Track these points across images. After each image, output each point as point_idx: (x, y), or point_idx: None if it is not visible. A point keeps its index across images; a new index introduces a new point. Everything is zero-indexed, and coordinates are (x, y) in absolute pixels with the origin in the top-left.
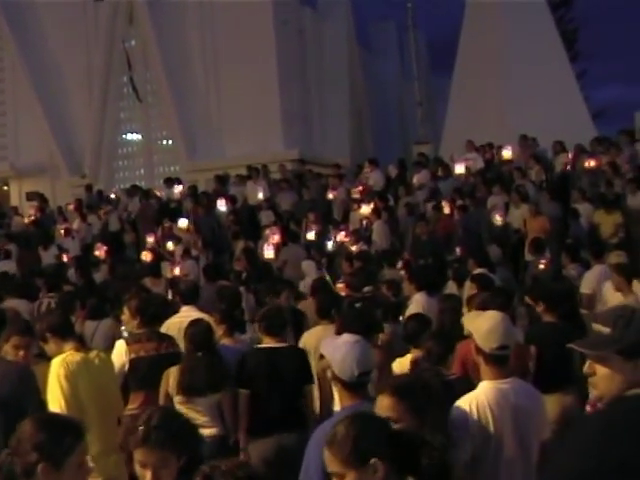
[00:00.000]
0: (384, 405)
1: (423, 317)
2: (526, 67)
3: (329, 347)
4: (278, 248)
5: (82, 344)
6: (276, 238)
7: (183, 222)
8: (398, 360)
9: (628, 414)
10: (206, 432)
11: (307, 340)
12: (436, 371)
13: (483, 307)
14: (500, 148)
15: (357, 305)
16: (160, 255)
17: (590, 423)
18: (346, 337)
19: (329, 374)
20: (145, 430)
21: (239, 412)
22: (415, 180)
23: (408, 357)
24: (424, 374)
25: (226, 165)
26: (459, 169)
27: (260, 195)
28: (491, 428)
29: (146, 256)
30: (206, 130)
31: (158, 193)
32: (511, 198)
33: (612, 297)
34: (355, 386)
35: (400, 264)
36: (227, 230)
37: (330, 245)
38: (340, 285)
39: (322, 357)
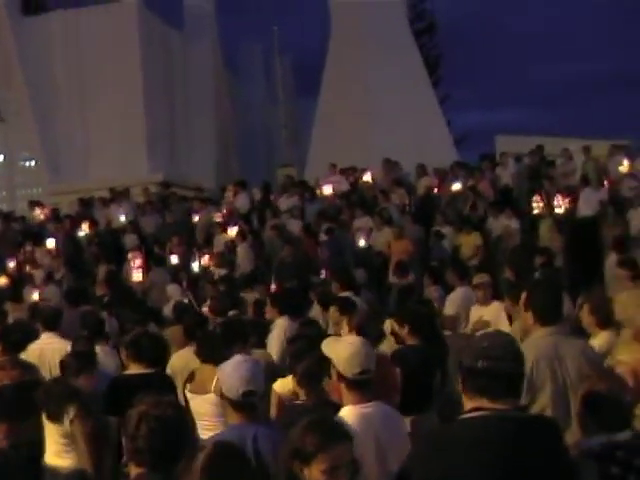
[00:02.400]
0: None
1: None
2: (390, 92)
3: (222, 367)
4: (144, 271)
5: None
6: (138, 262)
7: (50, 242)
8: (280, 381)
9: (446, 435)
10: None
11: (174, 362)
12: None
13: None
14: (363, 171)
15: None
16: (21, 279)
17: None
18: (237, 356)
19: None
20: None
21: (109, 441)
22: (281, 203)
23: (290, 379)
24: None
25: (90, 187)
26: (327, 190)
27: (123, 218)
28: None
29: (2, 281)
30: (70, 152)
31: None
32: (374, 221)
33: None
34: (241, 405)
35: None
36: (89, 254)
37: (194, 268)
38: (205, 309)
39: (189, 379)
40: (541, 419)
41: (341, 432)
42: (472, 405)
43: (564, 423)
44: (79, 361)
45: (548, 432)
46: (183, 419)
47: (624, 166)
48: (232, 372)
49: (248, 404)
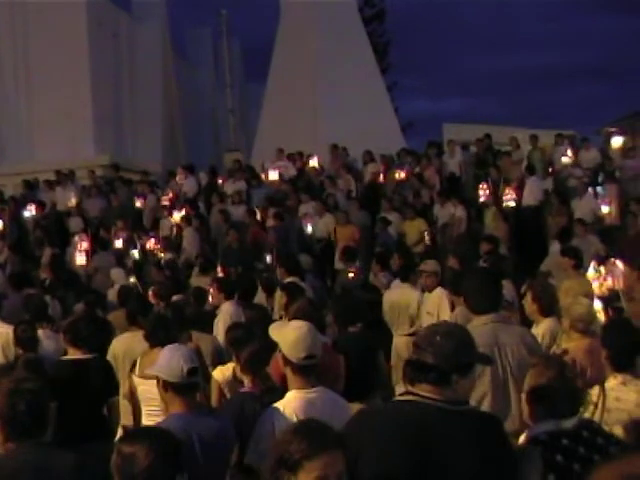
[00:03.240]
0: None
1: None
2: (338, 78)
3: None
4: (88, 255)
5: None
6: (84, 245)
7: None
8: (219, 368)
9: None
10: None
11: (116, 346)
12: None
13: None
14: (310, 157)
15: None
16: None
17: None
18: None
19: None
20: None
21: None
22: (227, 188)
23: (229, 366)
24: None
25: (35, 170)
26: (273, 176)
27: (73, 201)
28: None
29: None
30: (15, 133)
31: None
32: (316, 207)
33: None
34: (182, 388)
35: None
36: (34, 237)
37: (138, 253)
38: (149, 293)
39: (135, 364)
40: (482, 415)
41: (331, 438)
42: (409, 390)
43: (504, 410)
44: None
45: (492, 428)
46: (43, 390)
47: (568, 157)
48: (172, 355)
49: (189, 386)
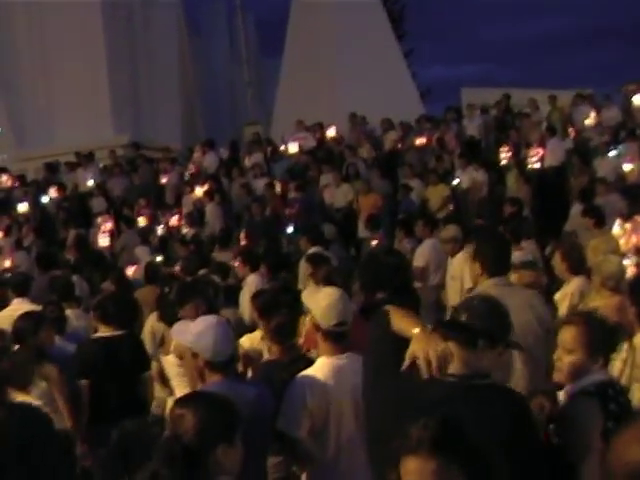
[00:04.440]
0: None
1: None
2: (355, 47)
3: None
4: (112, 235)
5: None
6: (109, 226)
7: (22, 207)
8: (247, 336)
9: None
10: None
11: (147, 325)
12: None
13: (328, 282)
14: (329, 127)
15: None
16: None
17: None
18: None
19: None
20: None
21: (81, 403)
22: (248, 161)
23: (257, 334)
24: None
25: (56, 152)
26: (293, 148)
27: (90, 182)
28: (329, 403)
29: None
30: (35, 117)
31: None
32: (334, 177)
33: (458, 272)
34: (218, 365)
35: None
36: (58, 219)
37: (162, 229)
38: (176, 269)
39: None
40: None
41: None
42: None
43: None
44: (31, 321)
45: (493, 401)
46: None
47: (590, 118)
48: (209, 334)
49: (225, 363)
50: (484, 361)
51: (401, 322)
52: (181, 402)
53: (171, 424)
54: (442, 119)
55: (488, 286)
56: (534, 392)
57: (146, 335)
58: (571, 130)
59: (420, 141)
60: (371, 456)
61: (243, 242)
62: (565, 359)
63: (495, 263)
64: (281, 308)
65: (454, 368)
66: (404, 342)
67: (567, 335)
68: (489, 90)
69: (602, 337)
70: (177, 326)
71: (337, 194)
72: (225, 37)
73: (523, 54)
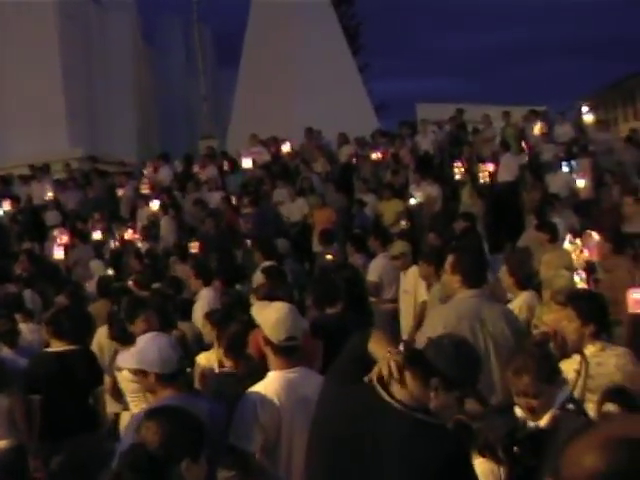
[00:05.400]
0: None
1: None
2: (310, 62)
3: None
4: (67, 249)
5: None
6: (65, 239)
7: None
8: (203, 354)
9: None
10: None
11: (100, 338)
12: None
13: (269, 298)
14: (283, 142)
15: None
16: None
17: None
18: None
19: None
20: None
21: (32, 418)
22: (202, 175)
23: (213, 351)
24: None
25: (9, 165)
26: (246, 163)
27: (50, 194)
28: (280, 416)
29: None
30: None
31: None
32: (289, 192)
33: (410, 286)
34: (174, 376)
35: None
36: (11, 232)
37: (116, 243)
38: (129, 283)
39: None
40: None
41: None
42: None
43: (488, 385)
44: None
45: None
46: None
47: (538, 128)
48: (159, 345)
49: (176, 376)
50: (434, 400)
51: (376, 346)
52: (150, 414)
53: (138, 435)
54: (397, 134)
55: (466, 296)
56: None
57: (95, 349)
58: (525, 146)
59: (375, 156)
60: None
61: (195, 252)
62: (533, 405)
63: (474, 275)
64: (234, 322)
65: (402, 395)
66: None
67: (522, 382)
68: (443, 105)
69: (553, 364)
70: (120, 356)
71: (292, 209)
72: (182, 49)
73: (477, 66)
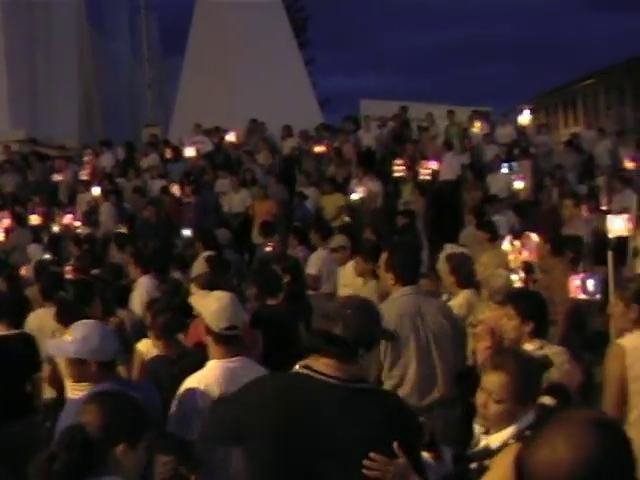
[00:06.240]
0: None
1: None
2: (256, 53)
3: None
4: (8, 232)
5: None
6: (6, 222)
7: None
8: (143, 341)
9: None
10: None
11: (30, 322)
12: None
13: (210, 286)
14: (227, 132)
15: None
16: None
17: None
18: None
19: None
20: None
21: None
22: (144, 162)
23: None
24: None
25: None
26: (189, 152)
27: None
28: None
29: None
30: None
31: None
32: (232, 182)
33: (348, 281)
34: (112, 365)
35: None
36: None
37: (56, 228)
38: (68, 268)
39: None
40: (378, 391)
41: None
42: (307, 362)
43: (430, 379)
44: None
45: (391, 404)
46: None
47: (477, 127)
48: (98, 334)
49: (114, 365)
50: (363, 366)
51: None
52: (92, 397)
53: (78, 416)
54: (340, 129)
55: (404, 293)
56: None
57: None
58: (468, 145)
59: (318, 149)
60: None
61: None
62: (491, 409)
63: (408, 272)
64: (170, 309)
65: (334, 373)
66: None
67: (495, 382)
68: (387, 102)
69: (532, 382)
70: (52, 343)
71: (235, 199)
72: (127, 36)
73: (424, 64)
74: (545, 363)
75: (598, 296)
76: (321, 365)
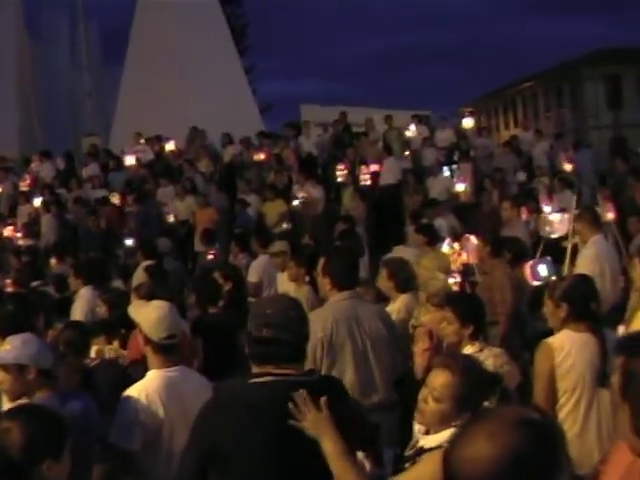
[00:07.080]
0: None
1: None
2: (196, 60)
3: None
4: None
5: None
6: None
7: None
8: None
9: (225, 397)
10: None
11: None
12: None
13: (149, 296)
14: (167, 140)
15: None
16: None
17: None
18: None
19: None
20: None
21: None
22: (85, 172)
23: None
24: None
25: None
26: (130, 161)
27: None
28: (161, 415)
29: None
30: None
31: None
32: (176, 190)
33: (287, 287)
34: (48, 375)
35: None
36: None
37: None
38: (7, 281)
39: None
40: (327, 379)
41: None
42: (259, 371)
43: (367, 383)
44: None
45: (336, 390)
46: None
47: (412, 131)
48: (36, 341)
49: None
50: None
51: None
52: (8, 415)
53: None
54: (280, 135)
55: (341, 298)
56: None
57: None
58: (407, 149)
59: (258, 156)
60: None
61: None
62: (430, 405)
63: (344, 277)
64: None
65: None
66: None
67: (439, 381)
68: (328, 108)
69: (476, 392)
70: None
71: (180, 207)
72: (67, 44)
73: (364, 70)
74: (496, 379)
75: (553, 278)
76: (280, 369)
